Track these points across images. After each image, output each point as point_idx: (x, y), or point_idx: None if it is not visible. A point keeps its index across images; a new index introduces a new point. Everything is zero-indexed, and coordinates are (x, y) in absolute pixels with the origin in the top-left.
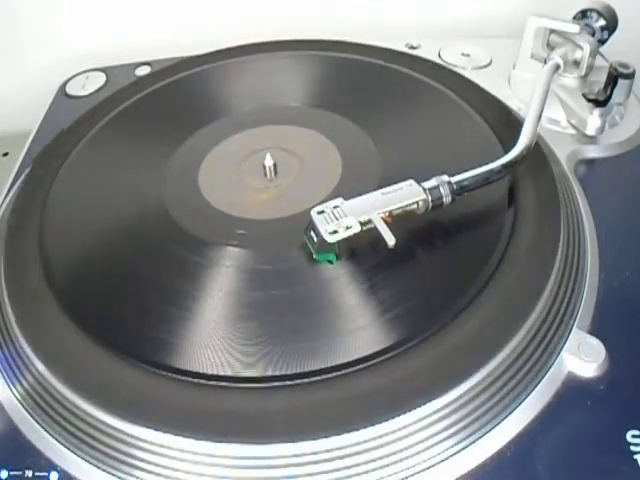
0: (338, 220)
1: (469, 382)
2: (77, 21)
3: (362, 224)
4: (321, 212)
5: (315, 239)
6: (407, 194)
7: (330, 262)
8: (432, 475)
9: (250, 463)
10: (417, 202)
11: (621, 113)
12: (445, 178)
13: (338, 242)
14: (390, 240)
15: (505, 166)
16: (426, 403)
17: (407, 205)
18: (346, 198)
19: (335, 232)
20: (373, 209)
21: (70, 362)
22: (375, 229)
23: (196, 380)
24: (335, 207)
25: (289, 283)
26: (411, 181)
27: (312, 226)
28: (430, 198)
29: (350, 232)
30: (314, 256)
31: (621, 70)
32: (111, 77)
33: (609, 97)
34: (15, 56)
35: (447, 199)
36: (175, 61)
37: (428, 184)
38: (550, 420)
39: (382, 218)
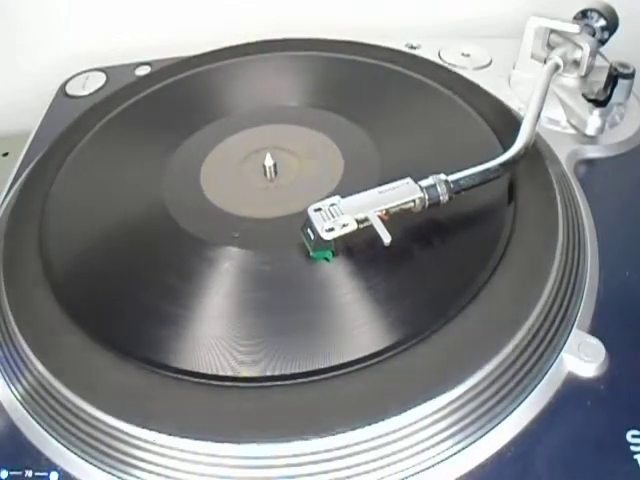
0: (335, 218)
1: (469, 382)
2: (77, 21)
3: (358, 222)
4: (318, 209)
5: (312, 236)
6: (404, 192)
7: (327, 259)
8: (432, 475)
9: (250, 463)
10: (414, 200)
11: (621, 113)
12: (442, 177)
13: (335, 240)
14: (386, 238)
15: (503, 165)
16: (426, 403)
17: (404, 203)
18: (344, 196)
19: (331, 229)
20: (370, 207)
21: (70, 362)
22: (373, 227)
23: (196, 380)
24: (332, 205)
25: (289, 283)
26: (408, 179)
27: (309, 223)
28: (427, 197)
29: (346, 230)
30: (311, 253)
31: (621, 70)
32: (111, 77)
33: (609, 97)
34: (15, 56)
35: (444, 198)
36: (175, 61)
37: (425, 182)
38: (550, 420)
39: (379, 216)
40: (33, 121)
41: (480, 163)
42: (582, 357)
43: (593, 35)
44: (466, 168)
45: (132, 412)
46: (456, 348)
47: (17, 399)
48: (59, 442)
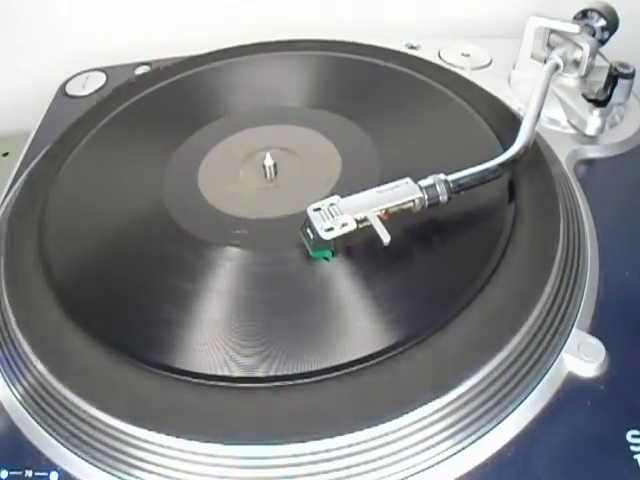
0: (334, 217)
1: (469, 382)
2: (77, 21)
3: (358, 222)
4: (317, 209)
5: (311, 236)
6: (403, 192)
7: (326, 259)
8: (432, 475)
9: (250, 463)
10: (413, 200)
11: (621, 113)
12: (442, 176)
13: (334, 239)
14: (385, 238)
15: (502, 165)
16: (426, 403)
17: (403, 203)
18: (344, 196)
19: (331, 229)
20: (369, 207)
21: (70, 362)
22: (372, 227)
23: (196, 380)
24: (331, 204)
25: (289, 283)
26: (407, 179)
27: (308, 223)
28: (426, 196)
29: (346, 229)
30: (310, 253)
31: (621, 70)
32: (111, 77)
33: (609, 97)
34: (15, 56)
35: (443, 197)
36: (175, 61)
37: (424, 182)
38: (550, 420)
39: (378, 216)
40: (33, 121)
41: (480, 163)
42: (582, 357)
43: (593, 35)
44: (466, 168)
45: (132, 412)
46: (456, 348)
47: (17, 399)
48: (59, 442)
